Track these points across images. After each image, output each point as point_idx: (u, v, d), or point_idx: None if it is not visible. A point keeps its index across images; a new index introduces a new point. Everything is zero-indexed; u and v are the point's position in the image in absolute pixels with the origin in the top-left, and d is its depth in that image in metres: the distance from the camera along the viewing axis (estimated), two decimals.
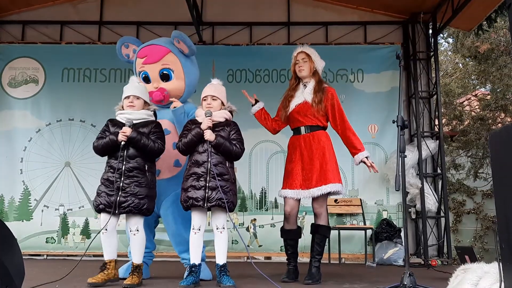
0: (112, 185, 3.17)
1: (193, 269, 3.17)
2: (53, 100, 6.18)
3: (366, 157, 3.50)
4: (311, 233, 3.60)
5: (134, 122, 3.29)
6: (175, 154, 3.52)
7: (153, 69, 3.69)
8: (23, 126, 6.10)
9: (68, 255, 5.79)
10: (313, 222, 3.59)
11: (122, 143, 3.19)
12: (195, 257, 3.20)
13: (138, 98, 3.37)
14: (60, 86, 6.20)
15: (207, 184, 3.13)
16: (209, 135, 3.20)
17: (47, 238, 5.86)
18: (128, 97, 3.37)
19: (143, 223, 3.31)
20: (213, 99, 3.35)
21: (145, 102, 3.43)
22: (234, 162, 3.39)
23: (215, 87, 3.41)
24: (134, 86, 3.41)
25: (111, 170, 3.22)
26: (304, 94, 3.61)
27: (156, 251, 4.01)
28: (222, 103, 3.40)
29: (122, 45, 3.94)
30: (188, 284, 3.07)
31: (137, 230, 3.23)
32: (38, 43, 6.33)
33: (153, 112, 3.45)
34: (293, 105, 3.61)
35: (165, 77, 3.70)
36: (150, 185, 3.26)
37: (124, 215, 3.26)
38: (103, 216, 3.21)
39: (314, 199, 3.49)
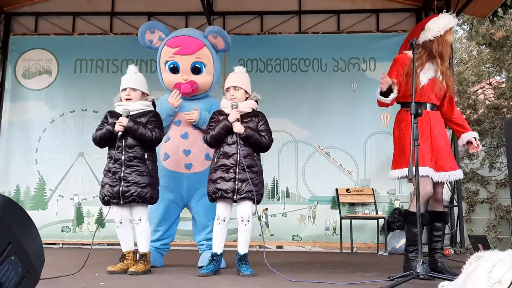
0: (113, 175, 3.19)
1: (214, 258, 3.21)
2: (66, 91, 6.24)
3: (474, 138, 3.28)
4: (427, 223, 3.15)
5: (132, 113, 3.28)
6: (206, 148, 3.51)
7: (185, 61, 3.69)
8: (38, 117, 6.18)
9: (83, 244, 5.89)
10: (433, 209, 3.21)
11: (119, 133, 3.20)
12: (217, 247, 3.23)
13: (135, 90, 3.34)
14: (73, 77, 6.25)
15: (237, 176, 3.12)
16: (238, 128, 3.14)
17: (62, 227, 5.96)
18: (125, 89, 3.35)
19: (167, 214, 3.35)
20: (236, 89, 3.29)
21: (143, 93, 3.40)
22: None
23: (236, 76, 3.35)
24: (131, 78, 3.38)
25: (112, 161, 3.24)
26: (434, 71, 3.24)
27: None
28: (246, 91, 3.33)
29: (148, 29, 3.81)
30: (208, 272, 3.11)
31: (140, 220, 3.27)
32: (51, 35, 6.38)
33: (151, 102, 3.43)
34: (425, 78, 3.20)
35: (196, 70, 3.70)
36: (151, 173, 3.27)
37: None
38: (115, 209, 3.25)
39: (439, 185, 3.20)
